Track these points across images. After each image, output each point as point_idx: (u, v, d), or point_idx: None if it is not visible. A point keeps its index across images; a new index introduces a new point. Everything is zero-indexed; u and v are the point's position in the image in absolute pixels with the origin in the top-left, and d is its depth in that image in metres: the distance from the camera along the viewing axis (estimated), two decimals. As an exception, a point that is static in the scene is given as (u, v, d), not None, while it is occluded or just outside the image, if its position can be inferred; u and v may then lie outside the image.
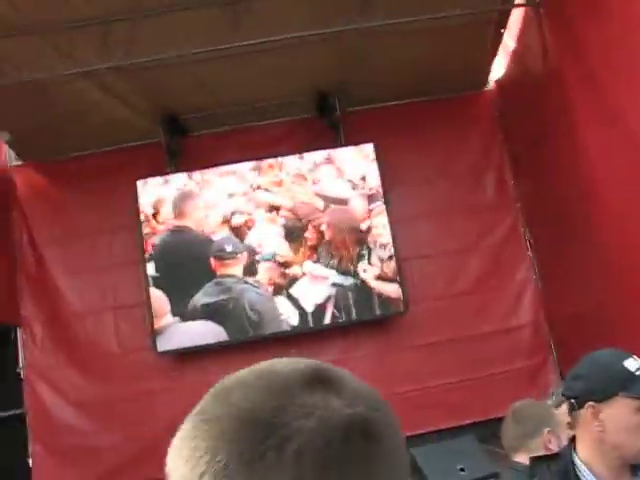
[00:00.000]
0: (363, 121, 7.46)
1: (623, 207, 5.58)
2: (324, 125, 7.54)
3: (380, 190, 7.30)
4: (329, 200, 7.29)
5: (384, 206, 7.26)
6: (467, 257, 7.50)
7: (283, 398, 0.62)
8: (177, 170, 7.35)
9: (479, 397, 6.98)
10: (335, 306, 7.09)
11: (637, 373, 1.90)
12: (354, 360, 6.73)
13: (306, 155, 7.36)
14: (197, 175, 7.28)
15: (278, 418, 0.60)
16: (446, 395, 6.86)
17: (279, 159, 7.35)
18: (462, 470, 4.59)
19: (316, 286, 7.17)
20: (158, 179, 7.23)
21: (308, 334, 7.05)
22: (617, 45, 5.17)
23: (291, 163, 7.37)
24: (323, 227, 7.24)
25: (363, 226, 7.27)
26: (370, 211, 7.28)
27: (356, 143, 7.41)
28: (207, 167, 7.29)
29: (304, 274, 7.16)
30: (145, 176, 7.20)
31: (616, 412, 1.90)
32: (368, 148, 7.37)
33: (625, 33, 5.05)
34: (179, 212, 7.21)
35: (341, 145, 7.47)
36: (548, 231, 7.12)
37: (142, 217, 7.12)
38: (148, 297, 6.99)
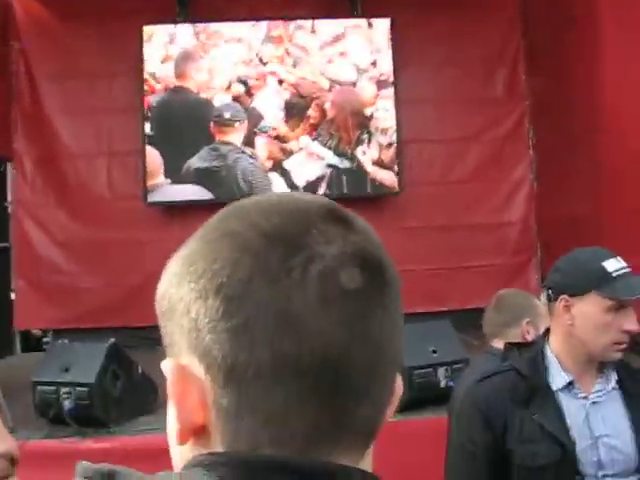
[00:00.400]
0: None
1: (631, 121, 5.51)
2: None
3: (391, 76, 7.12)
4: (336, 81, 7.12)
5: (392, 91, 7.10)
6: (467, 147, 7.43)
7: (306, 223, 0.61)
8: (186, 20, 7.08)
9: (459, 286, 7.11)
10: (328, 186, 7.06)
11: (614, 274, 1.90)
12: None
13: (318, 28, 7.11)
14: (203, 35, 7.03)
15: (303, 239, 0.59)
16: (427, 280, 6.97)
17: (290, 30, 7.10)
18: (434, 352, 4.69)
19: (311, 164, 7.10)
20: (165, 29, 6.99)
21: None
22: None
23: (301, 37, 7.11)
24: (327, 105, 7.09)
25: (367, 111, 7.13)
26: (377, 96, 7.12)
27: (372, 16, 7.15)
28: (217, 21, 7.04)
29: (301, 149, 7.07)
30: (154, 23, 6.95)
31: (587, 309, 1.92)
32: (384, 24, 7.12)
33: None
34: (180, 72, 7.01)
35: (357, 16, 7.21)
36: (553, 133, 7.03)
37: (145, 71, 6.93)
38: (143, 151, 6.91)
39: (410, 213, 7.23)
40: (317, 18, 7.12)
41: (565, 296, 1.95)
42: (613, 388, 1.98)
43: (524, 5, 7.52)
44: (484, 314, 3.20)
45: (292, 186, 7.02)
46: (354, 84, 7.14)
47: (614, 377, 2.00)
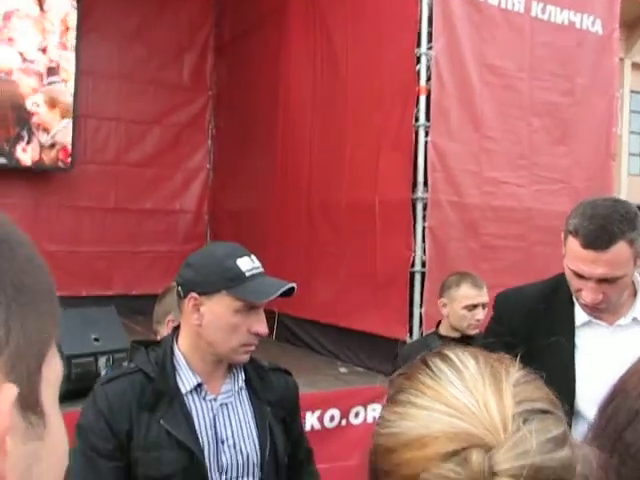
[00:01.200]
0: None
1: (307, 125, 5.86)
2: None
3: (59, 64, 6.63)
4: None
5: (73, 60, 6.65)
6: (147, 131, 7.29)
7: None
8: None
9: (126, 271, 6.93)
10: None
11: (247, 274, 1.80)
12: (4, 207, 6.16)
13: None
14: None
15: None
16: (93, 263, 6.68)
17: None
18: (96, 340, 4.47)
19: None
20: None
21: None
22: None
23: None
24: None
25: (29, 103, 6.58)
26: (43, 86, 6.61)
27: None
28: None
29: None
30: None
31: (216, 309, 1.80)
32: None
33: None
34: None
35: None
36: (233, 126, 7.19)
37: None
38: None
39: (80, 192, 6.85)
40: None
41: (194, 294, 1.81)
42: (241, 388, 1.93)
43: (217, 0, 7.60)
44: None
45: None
46: (13, 73, 6.50)
47: (242, 377, 1.94)
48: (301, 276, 4.79)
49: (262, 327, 1.83)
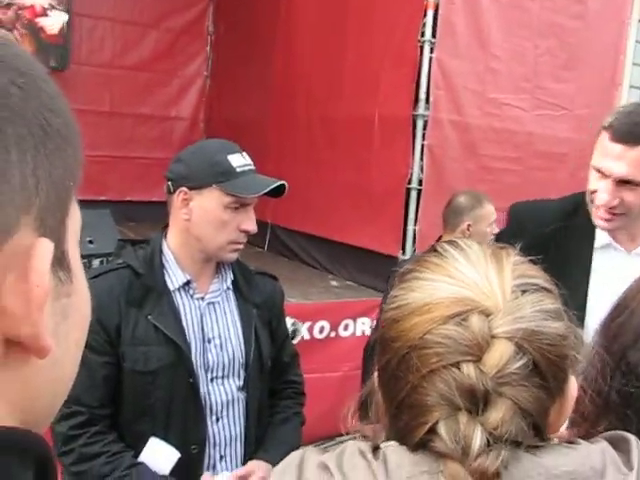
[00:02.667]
0: None
1: (308, 35, 5.73)
2: None
3: None
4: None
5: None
6: (144, 33, 7.09)
7: None
8: None
9: (121, 177, 6.88)
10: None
11: (238, 170, 1.78)
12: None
13: None
14: None
15: None
16: (88, 167, 6.35)
17: None
18: (90, 242, 4.49)
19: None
20: None
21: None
22: None
23: None
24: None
25: None
26: None
27: None
28: None
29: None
30: None
31: (206, 203, 1.78)
32: None
33: None
34: None
35: None
36: (234, 33, 7.00)
37: None
38: None
39: (74, 93, 6.71)
40: None
41: (184, 188, 1.79)
42: (228, 288, 1.93)
43: None
44: None
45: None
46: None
47: (230, 277, 1.93)
48: (297, 188, 4.76)
49: (251, 225, 1.82)
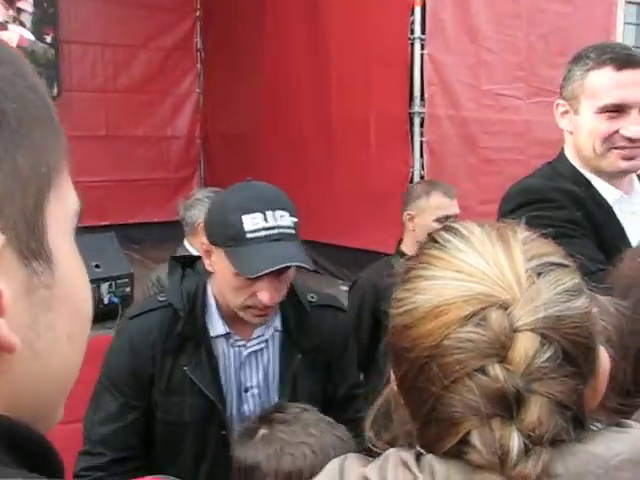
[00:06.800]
0: None
1: (294, 43, 5.72)
2: None
3: None
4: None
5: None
6: (134, 55, 7.07)
7: None
8: None
9: (122, 200, 6.86)
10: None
11: (249, 235, 1.56)
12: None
13: None
14: None
15: None
16: (89, 193, 6.57)
17: None
18: (97, 267, 4.46)
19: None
20: None
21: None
22: None
23: None
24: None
25: None
26: None
27: None
28: None
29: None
30: None
31: (220, 264, 1.64)
32: None
33: None
34: None
35: None
36: (223, 48, 6.99)
37: None
38: None
39: (69, 121, 6.70)
40: None
41: (205, 239, 1.68)
42: (276, 330, 1.80)
43: None
44: None
45: None
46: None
47: (278, 319, 1.80)
48: (296, 198, 4.72)
49: (265, 296, 1.61)
